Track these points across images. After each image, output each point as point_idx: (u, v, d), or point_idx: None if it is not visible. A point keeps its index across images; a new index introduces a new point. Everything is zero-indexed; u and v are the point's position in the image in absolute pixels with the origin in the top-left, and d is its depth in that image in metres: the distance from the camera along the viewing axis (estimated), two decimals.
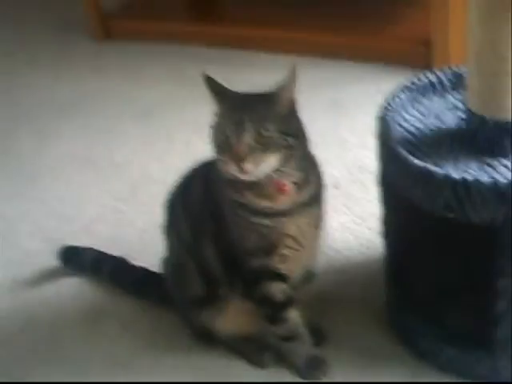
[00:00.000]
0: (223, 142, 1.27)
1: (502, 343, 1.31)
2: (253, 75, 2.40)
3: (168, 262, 1.52)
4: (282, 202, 1.31)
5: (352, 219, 1.81)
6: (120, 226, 1.90)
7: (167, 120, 2.34)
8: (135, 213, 1.94)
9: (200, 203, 1.41)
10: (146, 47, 2.79)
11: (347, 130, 2.16)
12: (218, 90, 1.30)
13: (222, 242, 1.39)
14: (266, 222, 1.32)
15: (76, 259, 1.74)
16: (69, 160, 2.21)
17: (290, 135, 1.27)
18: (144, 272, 1.66)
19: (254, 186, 1.29)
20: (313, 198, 1.35)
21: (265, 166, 1.26)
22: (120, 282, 1.69)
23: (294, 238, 1.35)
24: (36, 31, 3.05)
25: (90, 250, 1.74)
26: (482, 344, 1.33)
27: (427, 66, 2.29)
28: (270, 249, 1.34)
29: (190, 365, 1.49)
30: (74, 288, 1.73)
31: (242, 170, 1.25)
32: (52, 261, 1.76)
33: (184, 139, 2.21)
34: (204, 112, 2.19)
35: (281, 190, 1.30)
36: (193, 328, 1.51)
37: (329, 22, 2.68)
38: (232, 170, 1.26)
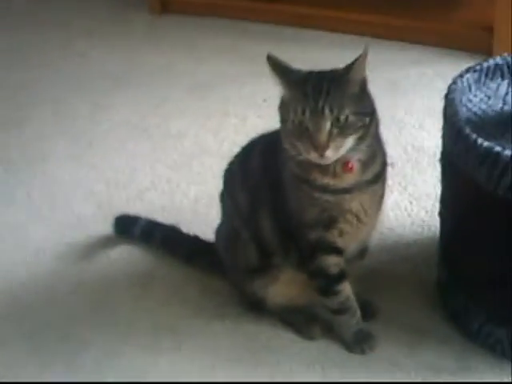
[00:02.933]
0: (299, 128, 1.26)
1: None
2: (313, 54, 2.41)
3: (222, 229, 1.54)
4: (347, 180, 1.32)
5: (407, 198, 1.81)
6: (173, 195, 1.92)
7: (223, 94, 2.35)
8: (188, 183, 1.95)
9: (259, 175, 1.42)
10: (203, 22, 2.81)
11: (404, 110, 2.16)
12: (283, 71, 1.29)
13: (279, 213, 1.40)
14: (329, 197, 1.32)
15: (129, 227, 1.76)
16: (123, 129, 2.22)
17: (364, 115, 1.28)
18: (195, 240, 1.68)
19: (321, 165, 1.30)
20: (377, 176, 1.36)
21: (343, 149, 1.26)
22: (171, 250, 1.70)
23: (355, 214, 1.36)
24: (94, 3, 3.07)
25: (143, 217, 1.76)
26: None
27: (488, 52, 2.27)
28: (329, 223, 1.35)
29: (237, 332, 1.50)
30: (124, 254, 1.75)
31: (322, 157, 1.25)
32: (104, 227, 1.78)
33: (240, 114, 2.22)
34: (260, 89, 2.25)
35: (347, 169, 1.31)
36: (244, 296, 1.53)
37: (391, 4, 2.67)
38: (312, 156, 1.26)
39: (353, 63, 1.27)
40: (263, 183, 1.41)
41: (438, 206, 1.52)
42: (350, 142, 1.27)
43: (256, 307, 1.51)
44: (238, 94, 2.34)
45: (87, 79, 2.52)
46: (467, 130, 1.27)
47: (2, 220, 1.87)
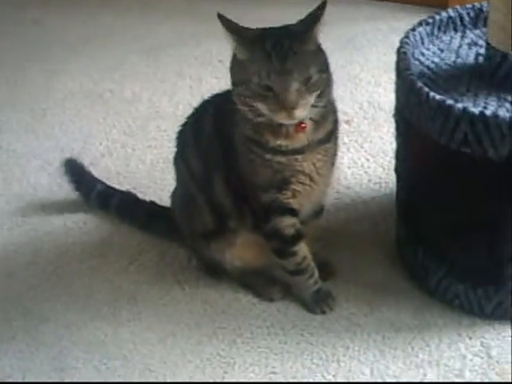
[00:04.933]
0: (263, 89, 1.22)
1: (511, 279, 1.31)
2: (265, 12, 2.39)
3: (178, 194, 1.52)
4: (299, 140, 1.30)
5: (363, 155, 1.80)
6: (128, 161, 1.89)
7: (178, 55, 2.31)
8: (144, 147, 1.93)
9: (211, 138, 1.40)
10: None
11: (360, 67, 2.14)
12: (237, 30, 1.25)
13: (232, 176, 1.38)
14: (281, 159, 1.30)
15: (83, 182, 1.73)
16: (78, 96, 2.19)
17: (324, 71, 1.26)
18: (152, 206, 1.66)
19: (273, 126, 1.28)
20: (329, 134, 1.34)
21: (308, 107, 1.24)
22: (127, 216, 1.68)
23: (308, 175, 1.34)
24: None
25: (99, 181, 1.73)
26: (492, 281, 1.33)
27: (443, 6, 2.25)
28: (282, 184, 1.33)
29: (197, 298, 1.50)
30: (81, 223, 1.73)
31: (292, 117, 1.23)
32: (60, 195, 1.76)
33: (195, 75, 2.19)
34: (216, 49, 2.21)
35: (300, 129, 1.29)
36: (201, 260, 1.52)
37: None
38: (280, 117, 1.23)
39: (316, 19, 1.24)
40: (216, 146, 1.39)
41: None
42: (312, 98, 1.25)
43: (214, 271, 1.50)
44: (192, 55, 2.30)
45: (42, 46, 2.47)
46: (419, 84, 1.25)
47: None
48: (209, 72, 2.17)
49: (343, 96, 1.96)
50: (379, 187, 1.70)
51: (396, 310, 1.42)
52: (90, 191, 1.72)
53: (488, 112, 1.16)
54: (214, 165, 1.40)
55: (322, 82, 1.25)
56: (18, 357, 1.42)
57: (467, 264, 1.35)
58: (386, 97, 1.93)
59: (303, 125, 1.28)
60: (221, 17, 1.26)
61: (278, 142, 1.29)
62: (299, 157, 1.31)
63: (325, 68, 1.27)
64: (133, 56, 2.35)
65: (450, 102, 1.20)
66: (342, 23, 2.31)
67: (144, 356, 1.40)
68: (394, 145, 1.48)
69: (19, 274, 1.61)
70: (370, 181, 1.73)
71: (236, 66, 1.28)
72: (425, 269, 1.43)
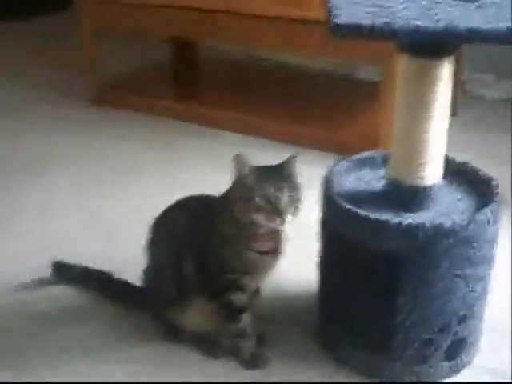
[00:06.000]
0: (263, 202, 1.66)
1: (399, 350, 1.76)
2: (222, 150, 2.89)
3: (147, 270, 1.94)
4: (271, 245, 1.77)
5: (297, 262, 2.23)
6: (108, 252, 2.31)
7: (144, 180, 2.79)
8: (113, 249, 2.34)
9: (183, 231, 1.84)
10: (133, 117, 3.33)
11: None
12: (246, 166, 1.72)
13: (201, 261, 1.81)
14: (256, 256, 1.76)
15: (67, 271, 2.14)
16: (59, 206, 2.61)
17: (299, 196, 1.74)
18: (125, 284, 2.07)
19: (254, 232, 1.72)
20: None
21: (291, 216, 1.71)
22: (104, 291, 2.09)
23: (270, 266, 1.81)
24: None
25: (80, 265, 2.14)
26: (385, 349, 1.77)
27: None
28: (248, 273, 1.79)
29: (157, 354, 1.90)
30: (63, 296, 2.11)
31: (283, 221, 1.69)
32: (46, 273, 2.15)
33: (161, 196, 2.62)
34: (176, 174, 2.69)
35: (274, 237, 1.76)
36: (162, 324, 1.93)
37: (291, 113, 3.26)
38: (273, 222, 1.68)
39: (286, 160, 1.75)
40: (187, 239, 1.83)
41: None
42: (293, 210, 1.71)
43: (171, 334, 1.91)
44: (160, 179, 2.78)
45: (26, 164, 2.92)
46: (336, 197, 1.76)
47: None
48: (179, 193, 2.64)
49: None
50: (308, 285, 2.08)
51: (312, 374, 1.84)
52: (73, 272, 2.13)
53: (382, 218, 1.67)
54: (183, 252, 1.83)
55: (298, 202, 1.73)
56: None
57: (368, 336, 1.79)
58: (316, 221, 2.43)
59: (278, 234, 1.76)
60: (239, 155, 1.72)
61: (255, 244, 1.75)
62: (268, 256, 1.78)
63: (299, 194, 1.74)
64: (106, 177, 2.81)
65: (355, 209, 1.70)
66: None
67: None
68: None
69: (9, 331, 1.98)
70: (301, 280, 2.16)
71: (239, 188, 1.72)
72: (338, 342, 1.86)
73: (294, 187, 1.73)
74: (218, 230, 1.78)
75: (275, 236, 1.76)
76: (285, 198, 1.69)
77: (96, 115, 3.38)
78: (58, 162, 2.94)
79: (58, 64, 3.94)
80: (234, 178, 1.74)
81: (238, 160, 1.72)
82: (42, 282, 2.15)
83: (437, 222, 1.66)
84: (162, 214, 1.92)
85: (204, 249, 1.80)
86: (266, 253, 1.77)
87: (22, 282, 2.15)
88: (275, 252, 1.77)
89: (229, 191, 1.77)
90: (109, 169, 2.89)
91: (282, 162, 1.76)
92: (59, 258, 2.16)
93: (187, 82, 3.74)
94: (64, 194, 2.71)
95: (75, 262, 2.15)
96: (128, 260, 2.16)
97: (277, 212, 1.69)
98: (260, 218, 1.70)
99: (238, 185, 1.73)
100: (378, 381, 1.80)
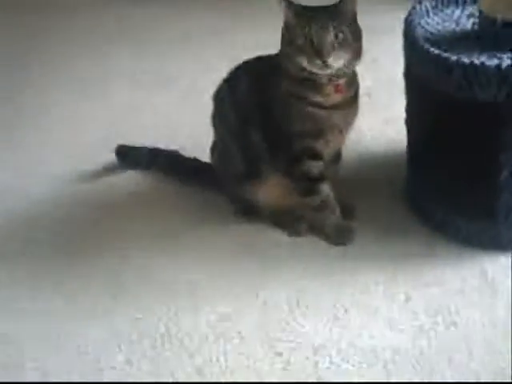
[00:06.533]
0: (305, 42, 1.50)
1: (504, 212, 1.54)
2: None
3: (216, 146, 1.77)
4: (336, 99, 1.57)
5: (380, 121, 2.04)
6: (174, 128, 2.13)
7: (210, 43, 2.56)
8: (187, 116, 2.17)
9: (248, 95, 1.64)
10: None
11: (379, 50, 2.35)
12: (290, 2, 1.54)
13: (268, 127, 1.63)
14: (321, 112, 1.57)
15: (132, 155, 1.97)
16: (124, 78, 2.44)
17: (356, 39, 1.54)
18: (194, 162, 1.90)
19: (315, 85, 1.55)
20: (355, 95, 1.62)
21: (340, 62, 1.52)
22: (173, 172, 1.92)
23: (339, 127, 1.61)
24: None
25: (145, 147, 1.97)
26: (487, 214, 1.56)
27: None
28: (318, 134, 1.60)
29: (236, 232, 1.73)
30: (129, 180, 1.96)
31: (325, 65, 1.49)
32: (110, 157, 2.00)
33: (228, 58, 2.42)
34: (241, 38, 2.46)
35: (338, 90, 1.57)
36: (237, 202, 1.76)
37: None
38: (315, 65, 1.50)
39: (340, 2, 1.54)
40: (252, 102, 1.64)
41: None
42: (345, 57, 1.52)
43: (248, 212, 1.74)
44: (227, 41, 2.54)
45: (85, 35, 2.73)
46: (422, 42, 1.50)
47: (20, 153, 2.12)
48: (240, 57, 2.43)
49: (365, 74, 2.18)
50: (394, 145, 1.93)
51: (406, 243, 1.65)
52: (139, 158, 1.96)
53: (477, 61, 1.40)
54: (250, 118, 1.64)
55: (353, 47, 1.53)
56: (83, 276, 1.68)
57: (466, 200, 1.58)
58: (402, 74, 2.17)
59: (340, 87, 1.56)
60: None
61: (320, 99, 1.55)
62: (334, 111, 1.57)
63: (357, 36, 1.55)
64: (167, 44, 2.59)
65: (445, 54, 1.45)
66: (365, 15, 2.53)
67: (189, 277, 1.64)
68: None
69: (79, 220, 1.86)
70: (386, 142, 1.97)
71: (287, 29, 1.55)
72: (430, 207, 1.66)
73: (346, 27, 1.52)
74: (280, 89, 1.59)
75: (339, 87, 1.56)
76: (329, 37, 1.49)
77: None
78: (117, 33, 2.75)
79: None
80: (284, 21, 1.55)
81: (282, 5, 1.53)
82: (108, 169, 2.01)
83: None
84: (221, 83, 1.72)
85: (270, 114, 1.61)
86: (331, 107, 1.57)
87: (87, 170, 2.02)
88: (335, 107, 1.58)
89: (281, 40, 1.57)
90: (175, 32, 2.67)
91: (338, 1, 1.54)
92: (123, 140, 2.01)
93: None
94: (131, 62, 2.53)
95: (140, 141, 1.99)
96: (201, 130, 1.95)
97: (318, 53, 1.48)
98: (304, 62, 1.51)
99: (285, 27, 1.55)
100: (480, 249, 1.60)
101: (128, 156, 1.98)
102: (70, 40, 2.73)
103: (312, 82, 1.55)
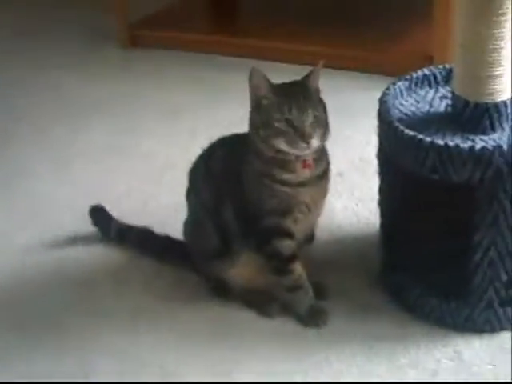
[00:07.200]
0: (285, 126, 1.49)
1: (478, 294, 1.53)
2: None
3: (189, 223, 1.74)
4: (303, 175, 1.56)
5: (354, 201, 2.04)
6: (146, 203, 2.12)
7: (190, 119, 2.57)
8: (160, 192, 2.16)
9: (222, 171, 1.64)
10: (169, 55, 3.06)
11: (352, 129, 2.38)
12: (268, 81, 1.54)
13: (240, 205, 1.61)
14: (288, 190, 1.55)
15: (105, 223, 1.94)
16: (99, 150, 2.43)
17: (325, 114, 1.55)
18: (166, 239, 1.87)
19: (283, 162, 1.54)
20: (324, 171, 1.60)
21: (318, 140, 1.51)
22: (144, 248, 1.89)
23: (307, 205, 1.59)
24: (65, 40, 3.30)
25: (117, 220, 1.94)
26: (461, 295, 1.54)
27: None
28: (285, 211, 1.57)
29: (205, 315, 1.70)
30: (101, 255, 1.93)
31: (308, 146, 1.49)
32: (82, 232, 1.97)
33: (205, 134, 2.43)
34: (221, 112, 2.47)
35: (306, 165, 1.55)
36: (209, 280, 1.73)
37: (338, 36, 2.95)
38: (298, 147, 1.49)
39: (308, 74, 1.55)
40: (225, 180, 1.63)
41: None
42: (320, 134, 1.52)
43: (220, 291, 1.71)
44: (203, 117, 2.56)
45: (65, 107, 2.73)
46: (396, 124, 1.50)
47: None
48: (218, 131, 2.42)
49: (337, 153, 2.19)
50: (367, 227, 1.92)
51: (380, 325, 1.62)
52: (110, 228, 1.93)
53: (451, 143, 1.41)
54: (223, 196, 1.63)
55: (325, 123, 1.54)
56: (46, 362, 1.62)
57: (440, 281, 1.56)
58: (375, 154, 2.19)
59: (308, 162, 1.54)
60: (256, 70, 1.53)
61: (286, 176, 1.54)
62: (302, 189, 1.56)
63: (326, 112, 1.55)
64: (149, 119, 2.60)
65: (420, 136, 1.45)
66: (337, 93, 2.53)
67: (161, 359, 1.60)
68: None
69: (50, 295, 1.81)
70: (359, 222, 1.96)
71: (259, 112, 1.54)
72: (404, 289, 1.64)
73: (320, 106, 1.53)
74: (250, 167, 1.58)
75: (307, 163, 1.55)
76: (309, 119, 1.49)
77: (130, 55, 3.15)
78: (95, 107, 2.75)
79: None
80: (251, 101, 1.55)
81: (255, 76, 1.52)
82: (77, 241, 1.98)
83: None
84: (196, 159, 1.72)
85: (242, 190, 1.60)
86: (299, 184, 1.56)
87: (54, 241, 1.99)
88: (303, 184, 1.56)
89: (250, 119, 1.57)
90: (149, 110, 2.68)
91: (304, 77, 1.55)
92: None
93: (226, 13, 3.46)
94: (102, 136, 2.53)
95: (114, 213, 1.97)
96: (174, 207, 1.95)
97: (301, 136, 1.47)
98: (282, 145, 1.49)
99: (256, 108, 1.54)
100: (454, 330, 1.58)
101: (101, 220, 1.95)
102: (45, 109, 2.74)
103: (280, 160, 1.54)
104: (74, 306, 1.77)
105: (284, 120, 1.49)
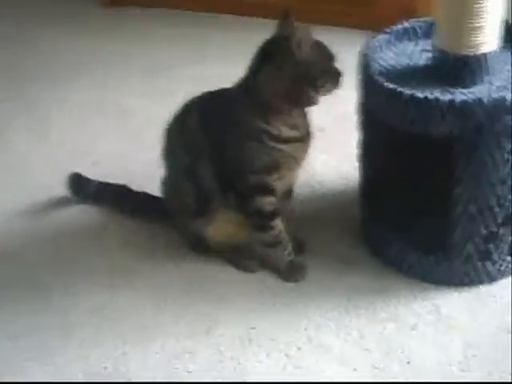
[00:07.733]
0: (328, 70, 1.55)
1: (457, 247, 1.53)
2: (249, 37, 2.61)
3: (166, 181, 1.73)
4: (301, 131, 1.56)
5: (334, 158, 2.03)
6: (125, 161, 2.10)
7: (171, 76, 2.53)
8: (139, 149, 2.13)
9: (198, 131, 1.61)
10: (148, 13, 3.02)
11: None
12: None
13: (219, 163, 1.59)
14: (283, 146, 1.55)
15: (82, 187, 1.93)
16: (82, 107, 2.41)
17: None
18: (144, 195, 1.86)
19: (288, 119, 1.54)
20: (309, 126, 1.60)
21: None
22: (122, 205, 1.88)
23: (297, 160, 1.58)
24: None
25: (94, 180, 1.93)
26: (440, 249, 1.54)
27: None
28: (273, 169, 1.57)
29: (185, 269, 1.70)
30: (79, 213, 1.92)
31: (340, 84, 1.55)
32: (62, 191, 1.95)
33: (186, 92, 2.40)
34: (202, 69, 2.43)
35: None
36: (188, 238, 1.72)
37: None
38: (333, 87, 1.54)
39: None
40: (203, 139, 1.60)
41: None
42: None
43: (200, 247, 1.70)
44: (182, 75, 2.52)
45: (49, 65, 2.70)
46: (376, 77, 1.48)
47: None
48: (198, 89, 2.40)
49: (319, 109, 2.19)
50: (347, 182, 1.91)
51: (360, 278, 1.63)
52: (88, 187, 1.92)
53: (430, 96, 1.40)
54: (200, 154, 1.60)
55: None
56: (32, 315, 1.62)
57: (419, 235, 1.56)
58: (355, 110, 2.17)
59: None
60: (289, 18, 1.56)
61: (290, 133, 1.55)
62: (299, 145, 1.56)
63: None
64: (129, 77, 2.57)
65: (399, 89, 1.43)
66: None
67: (139, 316, 1.59)
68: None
69: (29, 256, 1.80)
70: (340, 177, 1.95)
71: (298, 73, 1.53)
72: (385, 243, 1.64)
73: None
74: (240, 127, 1.55)
75: (300, 123, 1.56)
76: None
77: (110, 13, 3.10)
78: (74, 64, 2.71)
79: None
80: (284, 55, 1.51)
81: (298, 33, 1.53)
82: (57, 204, 1.96)
83: (496, 96, 1.39)
84: (172, 118, 1.69)
85: (224, 150, 1.58)
86: (291, 140, 1.55)
87: (36, 204, 1.97)
88: (299, 140, 1.57)
89: (264, 75, 1.53)
90: (130, 68, 2.65)
91: None
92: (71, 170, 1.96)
93: None
94: (81, 93, 2.50)
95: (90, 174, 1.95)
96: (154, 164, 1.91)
97: (338, 76, 1.56)
98: (327, 85, 1.56)
99: (293, 71, 1.52)
100: (433, 283, 1.59)
101: (78, 186, 1.93)
102: (23, 67, 2.71)
103: (286, 117, 1.54)
104: (55, 266, 1.76)
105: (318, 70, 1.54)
